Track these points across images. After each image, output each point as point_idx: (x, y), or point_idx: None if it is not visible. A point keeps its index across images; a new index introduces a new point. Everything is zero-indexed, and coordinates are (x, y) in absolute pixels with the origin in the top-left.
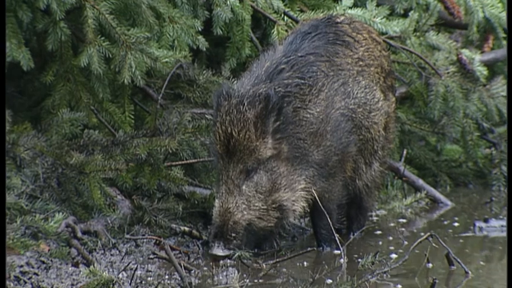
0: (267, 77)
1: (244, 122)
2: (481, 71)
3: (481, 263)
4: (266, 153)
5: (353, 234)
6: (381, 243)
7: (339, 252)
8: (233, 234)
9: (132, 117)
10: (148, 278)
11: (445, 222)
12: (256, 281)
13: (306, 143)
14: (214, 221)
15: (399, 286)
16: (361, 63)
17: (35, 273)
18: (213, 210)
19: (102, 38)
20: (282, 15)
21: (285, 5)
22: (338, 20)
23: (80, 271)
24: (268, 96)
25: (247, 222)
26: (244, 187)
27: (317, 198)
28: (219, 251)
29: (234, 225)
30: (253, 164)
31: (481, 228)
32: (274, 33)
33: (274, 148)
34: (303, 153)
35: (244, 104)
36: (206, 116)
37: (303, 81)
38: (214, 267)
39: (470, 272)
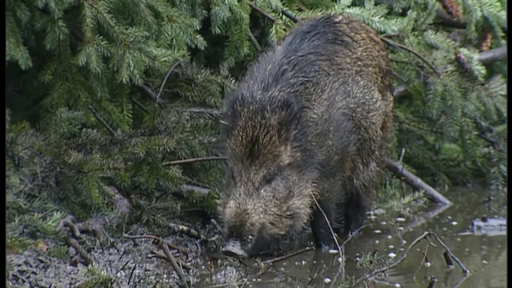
0: (273, 79)
1: (269, 128)
2: (480, 70)
3: (480, 262)
4: (285, 161)
5: (351, 234)
6: (379, 242)
7: (336, 251)
8: (250, 236)
9: (131, 116)
10: (147, 277)
11: (444, 221)
12: (254, 280)
13: (312, 144)
14: (230, 220)
15: (397, 285)
16: (359, 63)
17: (33, 272)
18: (225, 209)
19: (101, 37)
20: (280, 14)
21: (283, 4)
22: (336, 20)
23: (78, 270)
24: (290, 103)
25: (261, 226)
26: (262, 191)
27: (318, 197)
28: (236, 249)
29: (251, 227)
30: (274, 170)
31: (479, 227)
32: (273, 32)
33: (291, 156)
34: (309, 155)
35: (267, 109)
36: (204, 115)
37: (306, 79)
38: (212, 266)
39: (468, 271)
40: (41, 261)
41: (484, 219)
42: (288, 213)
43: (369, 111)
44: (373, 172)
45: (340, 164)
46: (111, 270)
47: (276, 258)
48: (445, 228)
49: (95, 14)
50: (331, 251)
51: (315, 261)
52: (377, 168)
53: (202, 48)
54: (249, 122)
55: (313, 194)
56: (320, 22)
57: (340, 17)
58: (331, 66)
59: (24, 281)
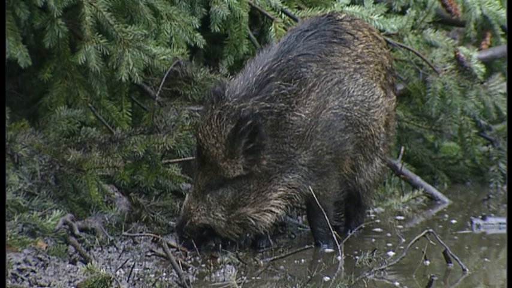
0: (257, 87)
1: (217, 138)
2: (479, 69)
3: (479, 260)
4: (234, 173)
5: (350, 232)
6: (378, 240)
7: (331, 250)
8: (188, 234)
9: (130, 114)
10: (146, 275)
11: (443, 220)
12: (253, 278)
13: (292, 146)
14: (179, 214)
15: (396, 283)
16: (359, 60)
17: (33, 271)
18: None
19: (100, 36)
20: (280, 12)
21: (282, 2)
22: (339, 18)
23: (78, 268)
24: (241, 118)
25: (204, 226)
26: (208, 195)
27: (314, 196)
28: (172, 242)
29: (190, 226)
30: (218, 180)
31: (478, 226)
32: (272, 30)
33: (244, 169)
34: (287, 157)
35: (223, 118)
36: None
37: (289, 88)
38: (211, 264)
39: (467, 269)
40: (40, 259)
41: (483, 218)
42: (237, 220)
43: (370, 108)
44: (378, 169)
45: (334, 163)
46: (111, 268)
47: (275, 257)
48: (444, 227)
49: (94, 12)
50: (330, 249)
51: (314, 260)
52: (382, 164)
53: (202, 46)
54: (207, 126)
55: (293, 198)
56: (322, 20)
57: (343, 15)
58: (325, 66)
59: (23, 280)
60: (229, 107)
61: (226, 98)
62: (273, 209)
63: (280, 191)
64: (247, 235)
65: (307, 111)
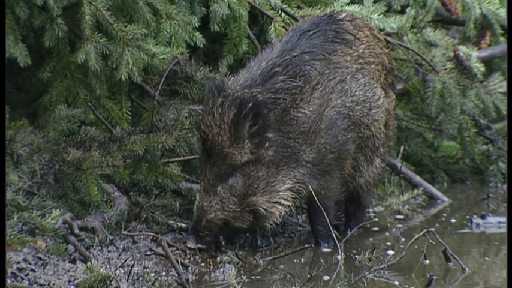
0: (262, 79)
1: (221, 126)
2: (478, 68)
3: (478, 259)
4: (241, 159)
5: (350, 231)
6: (377, 239)
7: (329, 250)
8: (206, 232)
9: (129, 113)
10: (146, 275)
11: (442, 219)
12: (253, 277)
13: (297, 142)
14: (194, 214)
15: (396, 282)
16: (361, 60)
17: (32, 270)
18: None
19: (100, 35)
20: (279, 11)
21: (282, 2)
22: (340, 17)
23: (77, 267)
24: (242, 101)
25: (222, 222)
26: (219, 188)
27: (314, 195)
28: (190, 244)
29: (207, 224)
30: (227, 169)
31: (478, 225)
32: (272, 29)
33: (252, 153)
34: (292, 152)
35: (225, 106)
36: None
37: (294, 83)
38: (211, 263)
39: (467, 268)
40: (40, 258)
41: (482, 217)
42: (248, 208)
43: (371, 109)
44: (378, 169)
45: (336, 162)
46: (110, 267)
47: (275, 256)
48: (443, 226)
49: (93, 11)
50: (330, 248)
51: (313, 259)
52: (381, 164)
53: (201, 45)
54: (209, 116)
55: (300, 192)
56: (323, 19)
57: (343, 14)
58: (328, 65)
59: (23, 279)
60: (231, 95)
61: (228, 87)
62: (282, 201)
63: (289, 183)
64: (247, 234)
65: (311, 109)
